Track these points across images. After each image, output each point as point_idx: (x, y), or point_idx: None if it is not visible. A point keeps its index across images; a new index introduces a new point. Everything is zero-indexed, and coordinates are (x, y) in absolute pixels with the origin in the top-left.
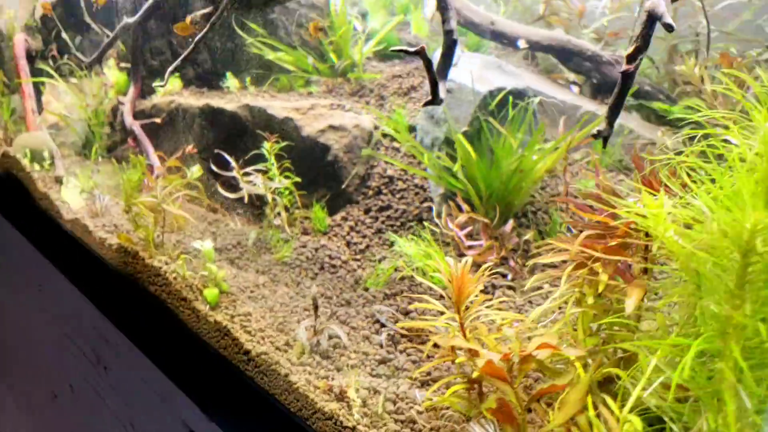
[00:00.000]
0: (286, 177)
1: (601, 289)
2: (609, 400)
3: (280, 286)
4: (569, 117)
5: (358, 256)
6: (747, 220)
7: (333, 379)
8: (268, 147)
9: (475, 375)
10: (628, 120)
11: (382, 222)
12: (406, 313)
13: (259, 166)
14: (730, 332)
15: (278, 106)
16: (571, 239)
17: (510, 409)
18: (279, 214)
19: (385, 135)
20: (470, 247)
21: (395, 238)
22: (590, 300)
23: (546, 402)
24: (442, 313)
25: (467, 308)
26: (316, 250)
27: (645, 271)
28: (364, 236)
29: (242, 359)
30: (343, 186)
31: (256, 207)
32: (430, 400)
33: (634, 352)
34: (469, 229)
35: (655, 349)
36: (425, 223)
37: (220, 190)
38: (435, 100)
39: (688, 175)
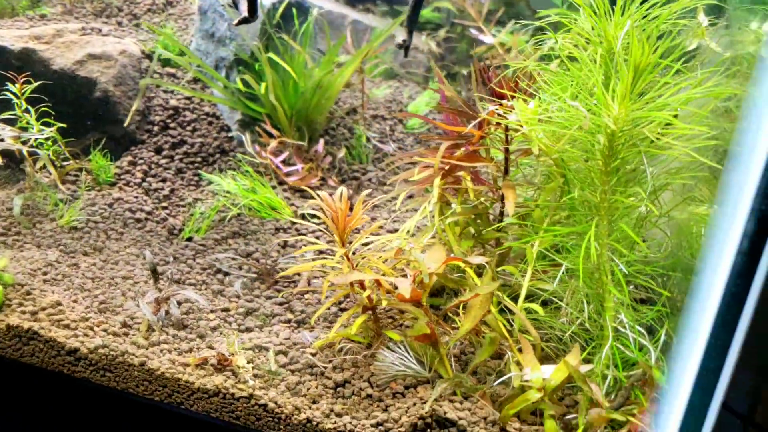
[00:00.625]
0: (46, 124)
1: (472, 195)
2: (504, 297)
3: (79, 257)
4: (339, 27)
5: (164, 204)
6: (610, 111)
7: (199, 349)
8: (18, 89)
9: (385, 303)
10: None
11: (181, 160)
12: (247, 255)
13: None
14: (600, 212)
15: (8, 35)
16: (430, 151)
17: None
18: (44, 170)
19: (158, 60)
20: (288, 174)
21: (210, 176)
22: (458, 207)
23: (442, 315)
24: (320, 252)
25: (351, 241)
26: (110, 205)
27: (506, 172)
28: (164, 180)
29: (66, 361)
30: (125, 125)
31: (5, 168)
32: (323, 339)
33: (519, 248)
34: (284, 155)
35: (535, 242)
36: (234, 155)
37: None
38: (253, 16)
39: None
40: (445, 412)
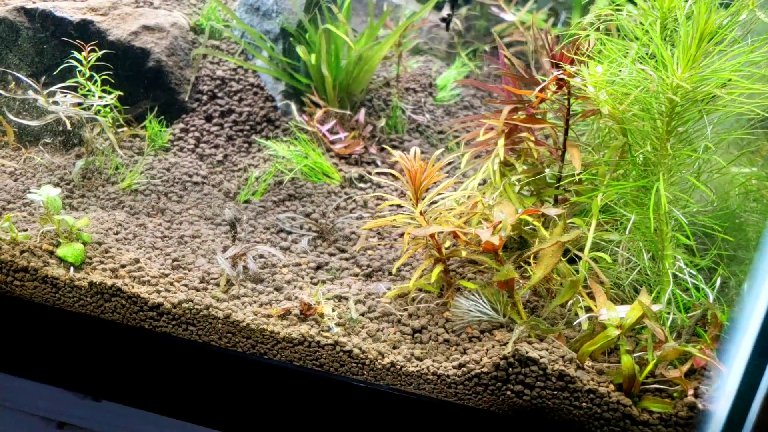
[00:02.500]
0: (106, 91)
1: (536, 155)
2: (572, 247)
3: (143, 218)
4: (365, 5)
5: (218, 168)
6: (673, 76)
7: (278, 301)
8: (84, 57)
9: (464, 254)
10: (409, 3)
11: (230, 128)
12: (307, 215)
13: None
14: (661, 168)
15: (67, 6)
16: (493, 115)
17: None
18: (100, 136)
19: (200, 32)
20: (334, 142)
21: (266, 142)
22: (519, 167)
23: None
24: (399, 206)
25: (423, 198)
26: (168, 169)
27: (566, 133)
28: (216, 146)
29: (148, 317)
30: (186, 97)
31: (62, 134)
32: (395, 289)
33: (584, 202)
34: (330, 124)
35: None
36: (279, 123)
37: (11, 117)
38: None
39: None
40: (527, 351)
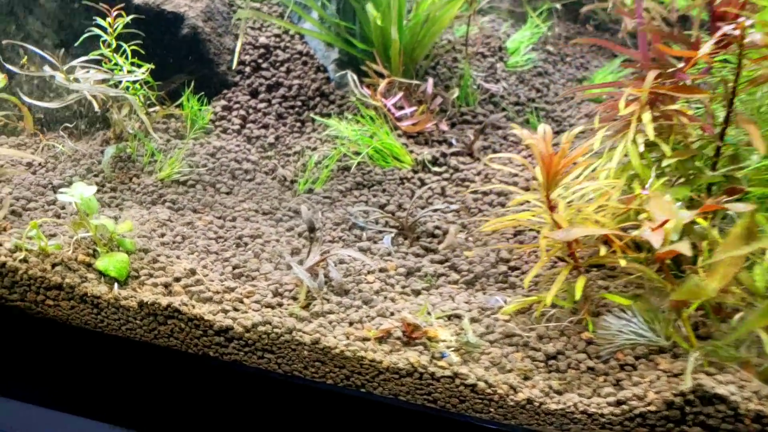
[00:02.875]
0: (135, 64)
1: (692, 133)
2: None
3: (190, 215)
4: None
5: (270, 152)
6: None
7: (370, 318)
8: (109, 24)
9: (623, 263)
10: None
11: (280, 104)
12: (381, 207)
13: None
14: None
15: None
16: (633, 82)
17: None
18: (134, 116)
19: None
20: (400, 118)
21: (326, 121)
22: (667, 149)
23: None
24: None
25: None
26: (212, 155)
27: (731, 105)
28: (266, 126)
29: (214, 342)
30: (219, 66)
31: (85, 116)
32: (515, 303)
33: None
34: (398, 97)
35: None
36: (334, 98)
37: (27, 99)
38: None
39: None
40: (713, 387)
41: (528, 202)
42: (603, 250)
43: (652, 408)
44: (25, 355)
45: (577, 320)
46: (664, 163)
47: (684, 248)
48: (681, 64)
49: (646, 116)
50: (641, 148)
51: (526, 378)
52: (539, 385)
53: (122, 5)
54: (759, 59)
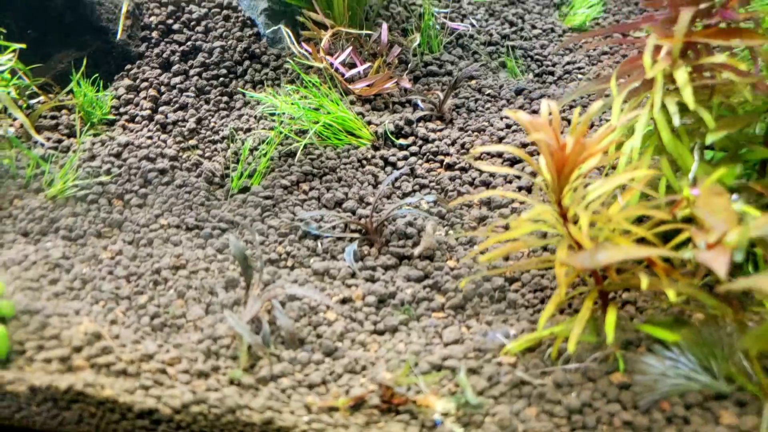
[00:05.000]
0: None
1: (747, 95)
2: None
3: (93, 243)
4: None
5: (191, 142)
6: None
7: (338, 377)
8: None
9: (672, 297)
10: None
11: (199, 76)
12: (337, 204)
13: None
14: None
15: None
16: (660, 27)
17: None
18: (10, 117)
19: None
20: (352, 80)
21: (258, 95)
22: (707, 117)
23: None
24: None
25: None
26: (117, 155)
27: None
28: (183, 107)
29: (138, 426)
30: (115, 34)
31: None
32: (523, 338)
33: None
34: (345, 53)
35: None
36: (269, 59)
37: None
38: None
39: None
40: None
41: (523, 203)
42: (645, 282)
43: None
44: None
45: (603, 357)
46: (710, 138)
47: (764, 284)
48: None
49: (681, 75)
50: (676, 121)
51: None
52: None
53: None
54: None
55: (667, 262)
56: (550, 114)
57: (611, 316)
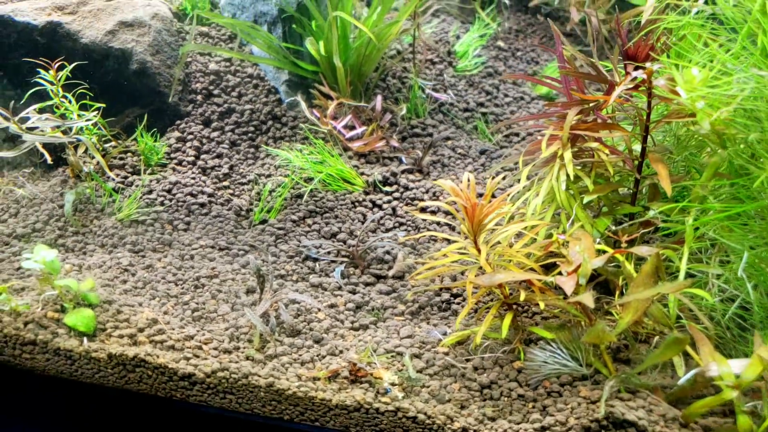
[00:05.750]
0: (84, 107)
1: (611, 169)
2: (665, 284)
3: (150, 256)
4: None
5: (225, 183)
6: None
7: (321, 357)
8: (52, 76)
9: (542, 305)
10: None
11: (232, 131)
12: (332, 236)
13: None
14: None
15: (29, 8)
16: (556, 123)
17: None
18: (90, 157)
19: (184, 18)
20: (351, 139)
21: (275, 150)
22: (590, 184)
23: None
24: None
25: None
26: (169, 191)
27: (645, 141)
28: (220, 155)
29: (180, 386)
30: (169, 99)
31: (42, 157)
32: (453, 335)
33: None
34: (346, 119)
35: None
36: (286, 121)
37: None
38: None
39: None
40: (623, 413)
41: (461, 248)
42: (523, 294)
43: None
44: (8, 403)
45: (510, 350)
46: (587, 198)
47: (587, 301)
48: (601, 101)
49: (567, 155)
50: (563, 186)
51: (463, 407)
52: (474, 413)
53: (68, 46)
54: (665, 99)
55: (548, 284)
56: (468, 183)
57: (507, 320)
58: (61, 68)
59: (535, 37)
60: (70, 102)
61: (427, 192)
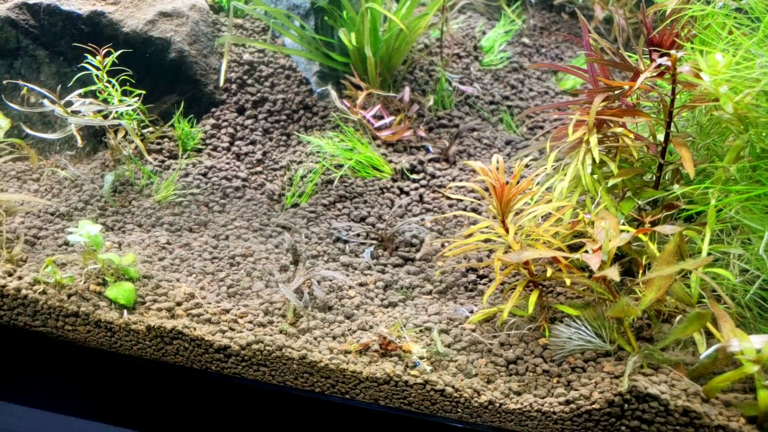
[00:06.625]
0: (125, 93)
1: (635, 153)
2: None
3: (187, 236)
4: None
5: (258, 168)
6: None
7: (352, 332)
8: (99, 62)
9: (568, 281)
10: None
11: (265, 119)
12: (361, 220)
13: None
14: None
15: None
16: (580, 107)
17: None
18: (128, 138)
19: (219, 10)
20: (380, 128)
21: (308, 138)
22: (614, 168)
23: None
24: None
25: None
26: (204, 174)
27: (668, 127)
28: (253, 142)
29: (215, 359)
30: (206, 86)
31: (84, 138)
32: (480, 312)
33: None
34: (375, 108)
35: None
36: (317, 110)
37: (29, 131)
38: None
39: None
40: (646, 387)
41: (488, 227)
42: (550, 271)
43: (596, 406)
44: (49, 373)
45: (536, 327)
46: (611, 181)
47: (613, 274)
48: (626, 88)
49: (593, 140)
50: (589, 170)
51: (489, 381)
52: (500, 387)
53: (110, 35)
54: (688, 85)
55: (573, 263)
56: (497, 164)
57: (534, 296)
58: (107, 55)
59: (562, 32)
60: (114, 88)
61: (453, 180)
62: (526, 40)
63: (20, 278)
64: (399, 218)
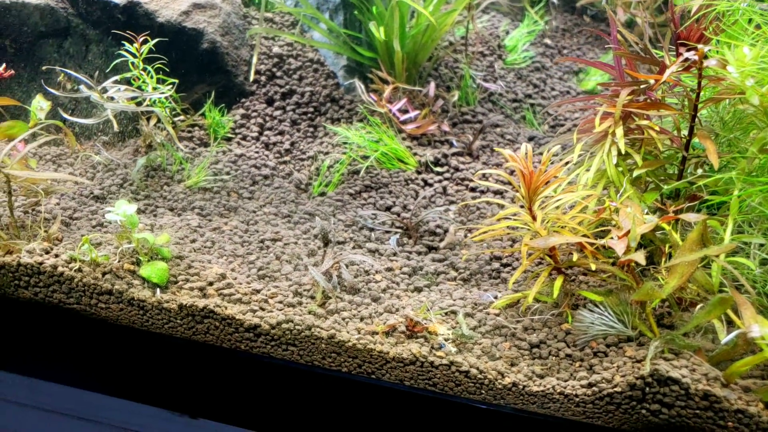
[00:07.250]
0: (160, 80)
1: (660, 145)
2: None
3: (217, 220)
4: None
5: (286, 158)
6: None
7: (378, 314)
8: (135, 49)
9: (594, 267)
10: None
11: (293, 111)
12: (387, 209)
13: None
14: None
15: None
16: (607, 99)
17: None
18: (159, 126)
19: (250, 4)
20: (405, 122)
21: (336, 129)
22: (639, 159)
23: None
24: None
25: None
26: (234, 162)
27: (693, 120)
28: (281, 132)
29: (245, 338)
30: (237, 77)
31: (118, 125)
32: (504, 298)
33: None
34: (402, 102)
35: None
36: (344, 103)
37: (67, 116)
38: None
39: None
40: (667, 371)
41: (515, 214)
42: (576, 257)
43: (618, 389)
44: (81, 350)
45: (559, 313)
46: (636, 172)
47: (639, 258)
48: (652, 82)
49: (619, 132)
50: (614, 161)
51: (513, 364)
52: (524, 370)
53: (145, 24)
54: (714, 79)
55: (598, 250)
56: (526, 152)
57: (558, 282)
58: (143, 43)
59: (588, 30)
60: (150, 76)
61: (477, 173)
62: (548, 41)
63: (57, 256)
64: (423, 209)
